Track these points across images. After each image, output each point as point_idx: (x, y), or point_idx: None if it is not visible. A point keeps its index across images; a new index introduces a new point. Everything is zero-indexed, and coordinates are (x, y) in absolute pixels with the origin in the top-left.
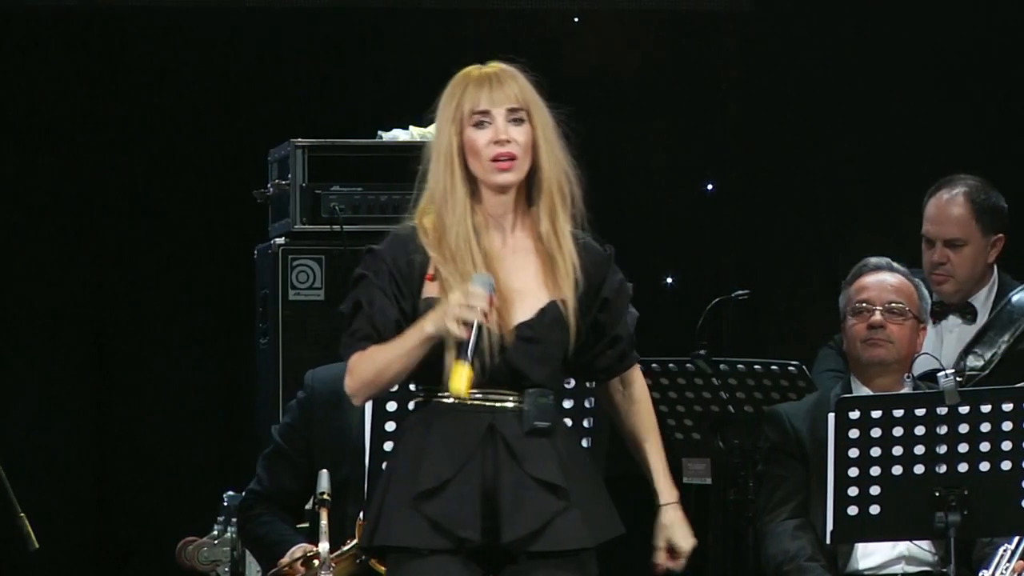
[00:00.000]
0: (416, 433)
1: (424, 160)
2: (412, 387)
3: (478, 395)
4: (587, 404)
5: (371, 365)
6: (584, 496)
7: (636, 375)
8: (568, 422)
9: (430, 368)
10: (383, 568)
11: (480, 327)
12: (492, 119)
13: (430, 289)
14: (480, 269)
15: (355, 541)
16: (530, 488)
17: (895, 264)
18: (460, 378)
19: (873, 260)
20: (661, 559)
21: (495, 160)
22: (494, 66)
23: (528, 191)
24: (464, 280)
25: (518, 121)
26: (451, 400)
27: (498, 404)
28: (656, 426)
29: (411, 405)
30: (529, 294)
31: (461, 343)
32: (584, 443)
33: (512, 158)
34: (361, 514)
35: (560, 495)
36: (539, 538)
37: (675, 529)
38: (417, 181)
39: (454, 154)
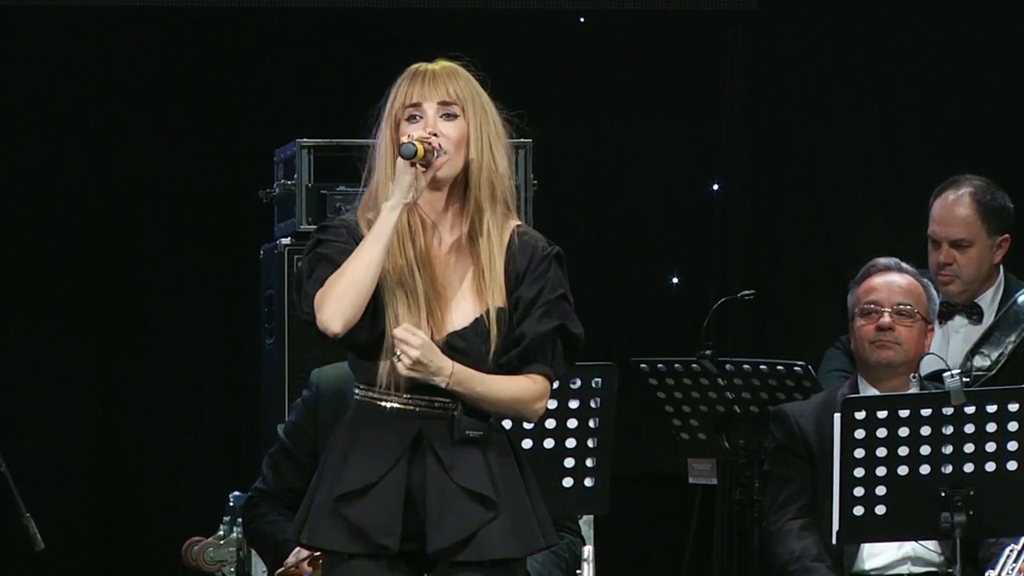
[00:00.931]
0: (347, 434)
1: (369, 158)
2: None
3: (412, 399)
4: (592, 404)
5: (339, 279)
6: (514, 506)
7: (540, 380)
8: (574, 423)
9: (369, 368)
10: None
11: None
12: (423, 112)
13: None
14: (414, 268)
15: None
16: (457, 497)
17: (904, 264)
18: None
19: (882, 261)
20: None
21: None
22: (436, 63)
23: (463, 189)
24: (399, 279)
25: (450, 116)
26: (385, 403)
27: (430, 410)
28: (514, 390)
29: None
30: (463, 300)
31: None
32: (590, 443)
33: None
34: None
35: (488, 505)
36: (465, 548)
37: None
38: (363, 178)
39: (390, 150)
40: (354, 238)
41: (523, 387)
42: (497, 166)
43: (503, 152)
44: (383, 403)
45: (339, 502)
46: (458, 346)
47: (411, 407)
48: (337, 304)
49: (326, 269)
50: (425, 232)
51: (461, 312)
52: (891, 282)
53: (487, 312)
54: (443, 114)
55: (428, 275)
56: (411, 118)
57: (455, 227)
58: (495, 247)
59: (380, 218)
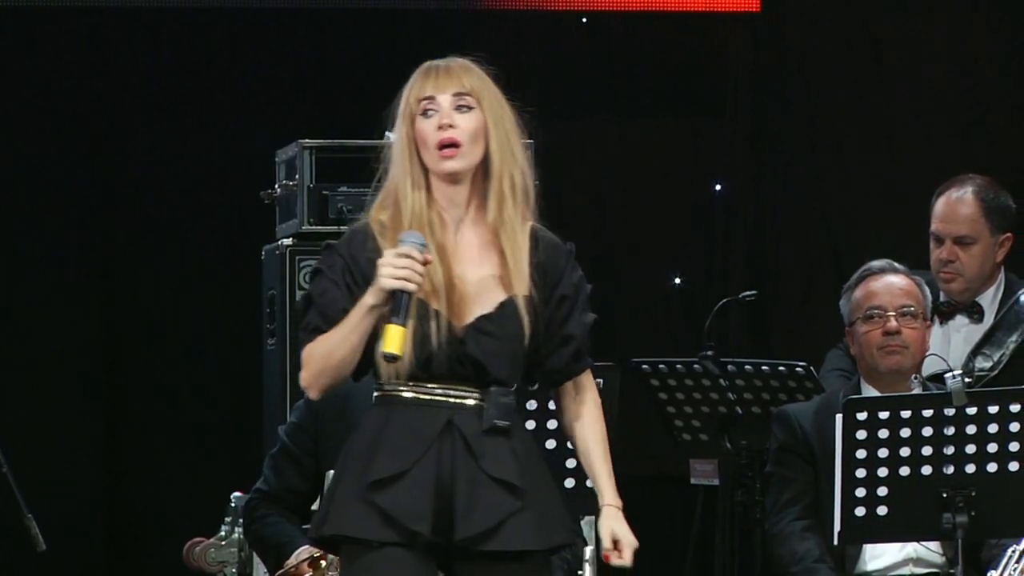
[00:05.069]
0: (373, 425)
1: (384, 159)
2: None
3: (439, 390)
4: None
5: (320, 351)
6: (540, 499)
7: (589, 381)
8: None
9: (394, 369)
10: None
11: (409, 293)
12: (438, 105)
13: None
14: (435, 263)
15: None
16: (486, 486)
17: (897, 265)
18: (392, 339)
19: (876, 264)
20: (609, 552)
21: (440, 147)
22: (448, 59)
23: (483, 183)
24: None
25: (465, 108)
26: (410, 394)
27: (458, 400)
28: (605, 436)
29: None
30: (487, 289)
31: (394, 304)
32: None
33: (455, 144)
34: None
35: (516, 494)
36: (492, 537)
37: (619, 525)
38: (376, 179)
39: (407, 147)
40: (351, 268)
41: (601, 418)
42: (517, 157)
43: (521, 147)
44: (410, 395)
45: (370, 490)
46: (486, 329)
47: (440, 398)
48: (318, 378)
49: (315, 317)
50: (444, 226)
51: (485, 298)
52: (891, 284)
53: (514, 297)
54: (457, 106)
55: (445, 270)
56: (425, 112)
57: (477, 221)
58: (519, 237)
59: (358, 306)
